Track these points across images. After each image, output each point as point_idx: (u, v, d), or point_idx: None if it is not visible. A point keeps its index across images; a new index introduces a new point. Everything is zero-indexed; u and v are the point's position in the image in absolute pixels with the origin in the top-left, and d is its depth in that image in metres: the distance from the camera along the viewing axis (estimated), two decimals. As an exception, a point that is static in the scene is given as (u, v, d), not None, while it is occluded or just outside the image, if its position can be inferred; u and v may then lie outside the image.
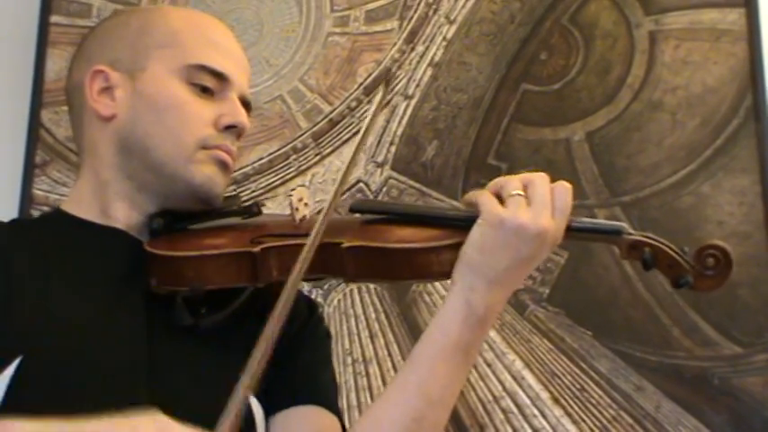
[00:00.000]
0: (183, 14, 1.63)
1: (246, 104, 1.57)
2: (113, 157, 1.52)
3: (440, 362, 1.41)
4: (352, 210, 1.56)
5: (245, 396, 1.19)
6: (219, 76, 1.52)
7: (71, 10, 2.77)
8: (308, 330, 1.59)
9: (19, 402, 1.31)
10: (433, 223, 1.48)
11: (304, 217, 1.51)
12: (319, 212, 1.43)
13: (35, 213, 2.57)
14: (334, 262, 1.43)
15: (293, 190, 1.55)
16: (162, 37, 1.54)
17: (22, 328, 1.37)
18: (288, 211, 1.52)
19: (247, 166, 2.61)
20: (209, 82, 1.52)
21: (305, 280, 1.50)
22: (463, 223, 1.45)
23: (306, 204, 1.52)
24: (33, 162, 2.67)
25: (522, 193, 1.41)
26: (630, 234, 1.46)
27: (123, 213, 1.51)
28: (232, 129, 1.52)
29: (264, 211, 1.57)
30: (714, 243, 1.44)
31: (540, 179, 1.43)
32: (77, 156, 1.61)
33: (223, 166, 1.51)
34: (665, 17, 2.52)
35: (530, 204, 1.40)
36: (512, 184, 1.42)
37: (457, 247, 1.42)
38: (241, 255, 1.43)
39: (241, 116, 1.53)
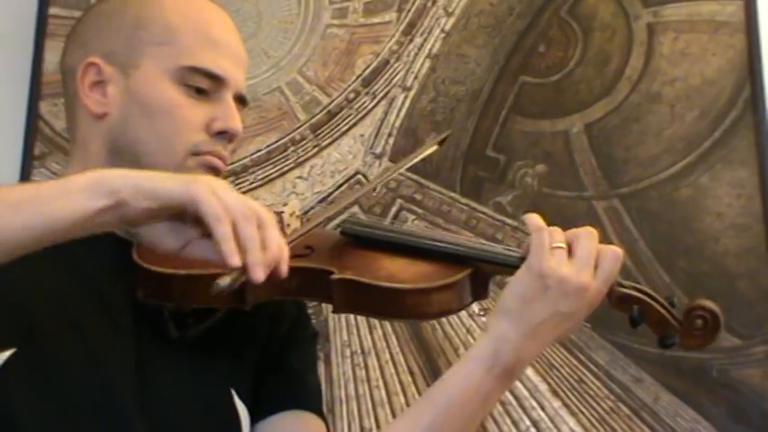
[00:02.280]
0: (181, 8, 1.57)
1: (242, 100, 1.55)
2: (103, 155, 1.50)
3: (457, 406, 1.39)
4: (344, 233, 1.53)
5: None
6: (215, 78, 1.50)
7: (70, 2, 2.76)
8: (297, 332, 1.58)
9: (5, 394, 1.30)
10: (426, 257, 1.45)
11: (294, 231, 1.47)
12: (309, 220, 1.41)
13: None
14: (321, 289, 1.41)
15: (285, 205, 1.52)
16: (158, 33, 1.51)
17: (13, 322, 1.35)
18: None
19: (245, 157, 2.61)
20: (203, 83, 1.49)
21: (294, 299, 1.48)
22: (456, 258, 1.44)
23: (297, 217, 1.50)
24: (32, 154, 2.67)
25: (564, 246, 1.38)
26: (621, 285, 1.43)
27: None
28: (224, 134, 1.50)
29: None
30: (704, 304, 1.42)
31: (586, 235, 1.40)
32: (68, 143, 1.59)
33: (214, 171, 1.49)
34: (664, 9, 2.52)
35: (571, 258, 1.38)
36: (557, 234, 1.40)
37: (447, 288, 1.39)
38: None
39: (234, 121, 1.50)
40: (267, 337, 1.53)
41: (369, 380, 2.40)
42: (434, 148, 1.69)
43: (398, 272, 1.42)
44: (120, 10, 1.56)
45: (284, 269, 1.21)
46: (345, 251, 1.48)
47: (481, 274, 1.46)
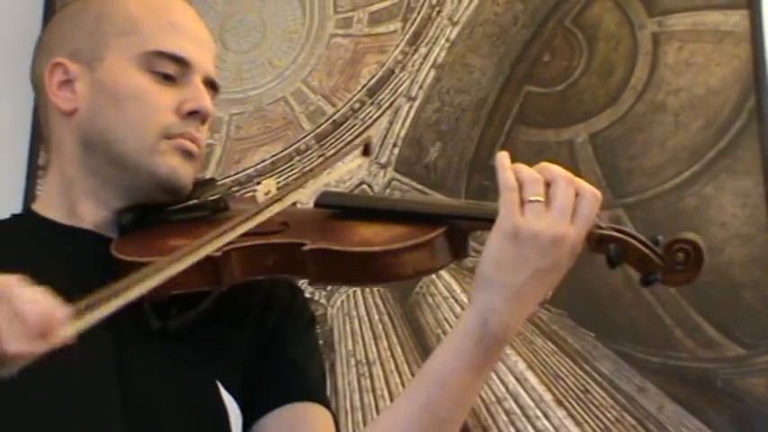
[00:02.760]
0: None
1: (212, 84, 1.53)
2: (77, 152, 1.49)
3: (451, 381, 1.36)
4: (318, 205, 1.50)
5: None
6: (180, 61, 1.48)
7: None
8: (291, 318, 1.54)
9: None
10: (398, 219, 1.42)
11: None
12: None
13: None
14: (296, 263, 1.39)
15: (258, 183, 1.51)
16: (120, 24, 1.50)
17: None
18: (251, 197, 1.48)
19: (250, 167, 2.61)
20: (169, 68, 1.47)
21: (269, 276, 1.47)
22: (430, 218, 1.41)
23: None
24: (37, 163, 2.67)
25: (541, 199, 1.32)
26: (599, 227, 1.37)
27: (90, 211, 1.48)
28: (195, 114, 1.48)
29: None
30: (684, 236, 1.37)
31: (565, 180, 1.34)
32: (46, 154, 1.58)
33: (188, 154, 1.47)
34: (668, 19, 2.52)
35: (548, 207, 1.33)
36: (533, 187, 1.33)
37: (418, 247, 1.36)
38: (202, 260, 1.33)
39: (203, 101, 1.48)
40: (257, 327, 1.49)
41: (374, 390, 2.40)
42: (359, 161, 1.61)
43: (372, 236, 1.40)
44: (80, 10, 1.56)
45: (60, 334, 1.08)
46: (321, 223, 1.46)
47: (458, 232, 1.41)
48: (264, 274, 1.43)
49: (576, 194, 1.34)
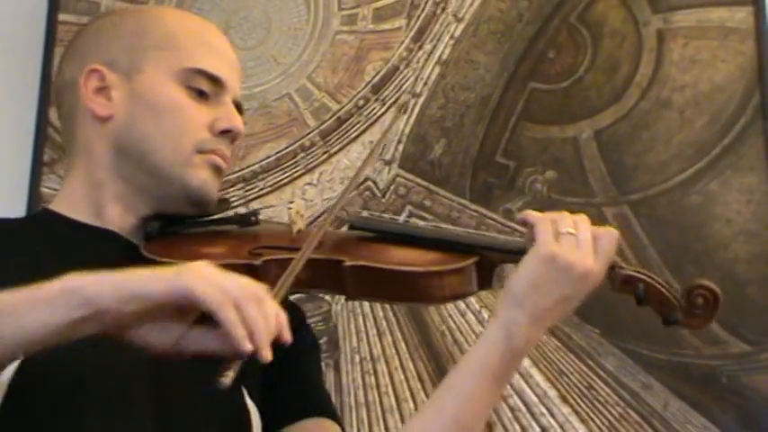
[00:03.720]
0: (178, 16, 1.64)
1: (239, 108, 1.57)
2: (109, 158, 1.51)
3: (476, 394, 1.42)
4: (353, 227, 1.56)
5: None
6: (215, 81, 1.52)
7: (79, 8, 2.77)
8: (302, 337, 1.57)
9: (20, 405, 1.30)
10: (431, 246, 1.49)
11: (300, 230, 1.50)
12: (314, 224, 1.43)
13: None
14: (334, 279, 1.43)
15: (292, 203, 1.55)
16: (158, 39, 1.53)
17: None
18: (285, 221, 1.53)
19: (255, 164, 2.61)
20: (205, 86, 1.51)
21: (306, 292, 1.51)
22: (462, 248, 1.48)
23: (303, 217, 1.53)
24: (41, 160, 2.68)
25: (574, 231, 1.42)
26: (623, 269, 1.47)
27: (117, 215, 1.50)
28: (227, 133, 1.52)
29: (262, 216, 1.57)
30: (703, 283, 1.46)
31: (582, 220, 1.44)
32: (66, 155, 1.59)
33: (218, 170, 1.51)
34: (674, 15, 2.52)
35: (577, 243, 1.42)
36: (565, 221, 1.43)
37: (458, 272, 1.43)
38: (242, 267, 1.40)
39: (237, 121, 1.53)
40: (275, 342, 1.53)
41: (378, 386, 2.40)
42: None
43: (409, 258, 1.46)
44: (117, 23, 1.59)
45: (287, 337, 1.18)
46: (355, 244, 1.51)
47: (487, 263, 1.50)
48: (299, 288, 1.45)
49: (595, 235, 1.44)
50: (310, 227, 1.51)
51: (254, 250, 1.45)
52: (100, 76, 1.52)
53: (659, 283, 1.47)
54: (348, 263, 1.42)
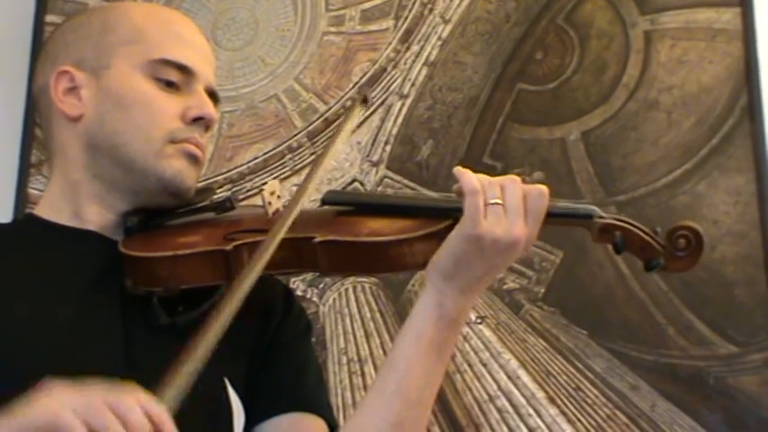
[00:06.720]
0: (145, 10, 1.63)
1: (213, 95, 1.57)
2: (82, 156, 1.51)
3: (415, 363, 1.42)
4: (325, 202, 1.56)
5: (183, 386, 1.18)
6: (184, 70, 1.52)
7: (66, 9, 2.77)
8: (287, 326, 1.58)
9: None
10: (405, 213, 1.47)
11: (277, 210, 1.49)
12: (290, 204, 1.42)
13: (30, 213, 2.57)
14: (306, 256, 1.43)
15: (264, 184, 1.54)
16: (125, 34, 1.53)
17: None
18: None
19: (243, 165, 2.61)
20: (173, 76, 1.51)
21: (278, 273, 1.50)
22: (436, 212, 1.46)
23: (278, 197, 1.51)
24: (29, 161, 2.67)
25: (500, 201, 1.39)
26: (602, 217, 1.45)
27: (96, 214, 1.50)
28: (200, 121, 1.52)
29: (241, 203, 1.57)
30: (685, 224, 1.44)
31: (512, 185, 1.41)
32: (48, 160, 1.60)
33: (193, 159, 1.51)
34: (661, 16, 2.52)
35: (505, 212, 1.39)
36: (493, 190, 1.40)
37: (429, 237, 1.42)
38: (214, 253, 1.42)
39: (208, 108, 1.52)
40: (259, 331, 1.53)
41: (365, 387, 2.40)
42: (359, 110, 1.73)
43: (381, 228, 1.45)
44: (84, 22, 1.59)
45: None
46: (328, 219, 1.51)
47: None
48: (274, 269, 1.44)
49: (525, 195, 1.41)
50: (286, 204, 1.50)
51: (228, 236, 1.45)
52: (69, 77, 1.52)
53: (638, 228, 1.44)
54: (318, 239, 1.42)
